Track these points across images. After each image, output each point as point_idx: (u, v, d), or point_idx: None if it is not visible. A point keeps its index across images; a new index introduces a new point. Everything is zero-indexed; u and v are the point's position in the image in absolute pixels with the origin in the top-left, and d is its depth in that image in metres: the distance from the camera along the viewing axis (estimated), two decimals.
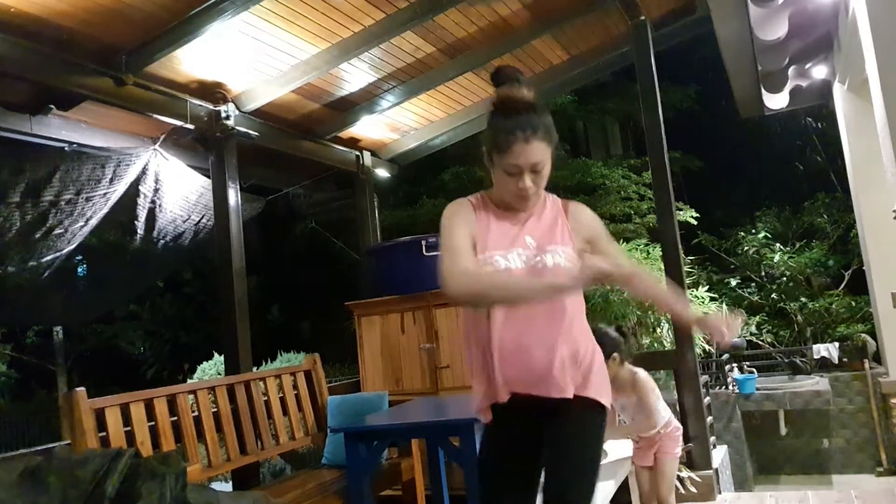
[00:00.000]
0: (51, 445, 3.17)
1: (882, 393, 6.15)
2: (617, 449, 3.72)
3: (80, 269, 5.81)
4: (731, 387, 6.55)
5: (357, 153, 5.65)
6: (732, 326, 1.85)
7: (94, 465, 1.70)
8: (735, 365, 7.03)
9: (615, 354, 3.29)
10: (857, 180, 5.56)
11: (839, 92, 5.45)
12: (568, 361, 1.86)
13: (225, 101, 4.29)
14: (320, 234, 11.24)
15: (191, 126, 4.13)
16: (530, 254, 1.88)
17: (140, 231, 4.90)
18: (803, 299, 8.68)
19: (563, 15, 4.60)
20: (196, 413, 3.42)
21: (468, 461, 2.72)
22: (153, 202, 4.73)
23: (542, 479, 1.95)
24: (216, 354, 8.72)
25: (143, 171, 4.46)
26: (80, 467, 1.70)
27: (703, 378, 4.86)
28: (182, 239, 5.26)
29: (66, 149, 4.04)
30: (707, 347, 7.55)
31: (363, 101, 5.00)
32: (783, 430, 6.69)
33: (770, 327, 8.75)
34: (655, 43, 4.72)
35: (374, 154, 5.84)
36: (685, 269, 5.57)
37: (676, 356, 4.50)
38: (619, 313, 6.06)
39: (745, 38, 4.55)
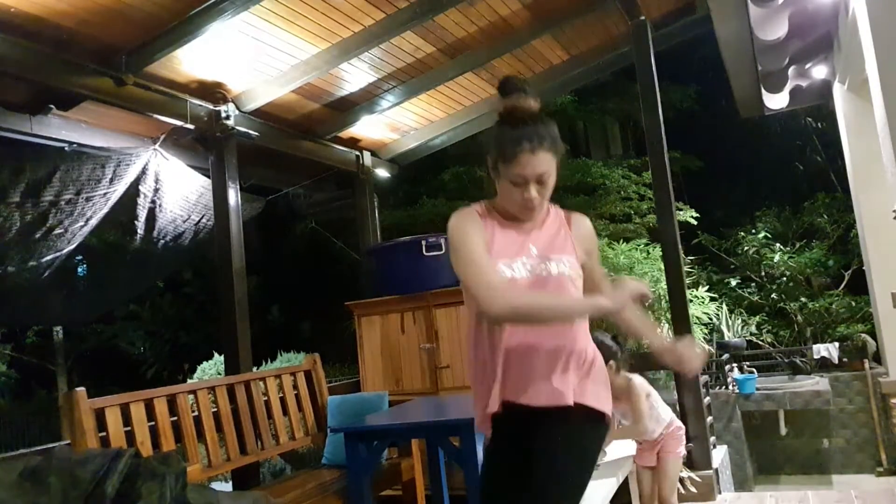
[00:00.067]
0: (51, 445, 3.16)
1: (882, 393, 6.15)
2: (617, 448, 3.72)
3: (80, 269, 5.81)
4: (731, 387, 6.54)
5: (357, 153, 5.65)
6: (695, 358, 1.89)
7: (94, 465, 1.70)
8: (735, 365, 7.02)
9: (611, 362, 3.30)
10: (857, 180, 5.56)
11: (839, 92, 5.45)
12: (573, 364, 1.86)
13: (225, 101, 4.29)
14: (320, 234, 11.24)
15: (191, 126, 4.13)
16: (535, 262, 1.88)
17: (140, 231, 4.90)
18: (803, 299, 8.68)
19: (563, 15, 4.60)
20: (196, 413, 3.42)
21: (468, 461, 2.72)
22: (153, 202, 4.73)
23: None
24: (216, 354, 8.72)
25: (143, 171, 4.46)
26: (80, 467, 1.70)
27: (703, 378, 4.86)
28: (182, 239, 5.26)
29: (66, 149, 4.05)
30: (707, 348, 7.56)
31: (363, 101, 5.01)
32: (783, 430, 6.68)
33: (770, 327, 8.73)
34: (655, 43, 4.72)
35: (374, 154, 5.84)
36: (685, 269, 5.57)
37: None
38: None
39: (745, 38, 4.55)
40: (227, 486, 4.79)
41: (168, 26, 3.56)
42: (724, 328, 8.11)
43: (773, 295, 8.97)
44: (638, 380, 3.50)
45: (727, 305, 8.55)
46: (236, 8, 3.46)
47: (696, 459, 4.33)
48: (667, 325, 6.34)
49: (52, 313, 6.70)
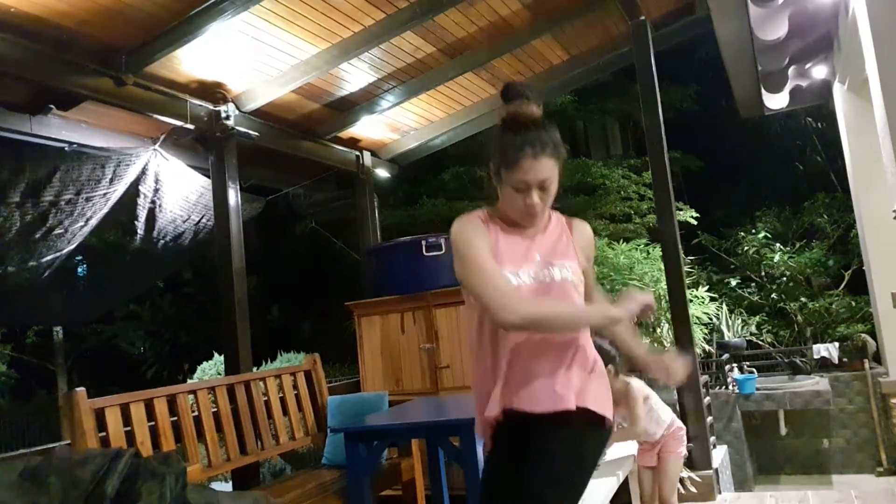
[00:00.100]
0: (51, 445, 3.18)
1: (882, 393, 6.15)
2: (618, 448, 3.72)
3: (80, 269, 5.81)
4: (731, 387, 6.54)
5: (357, 153, 5.65)
6: (676, 369, 1.95)
7: (94, 466, 1.69)
8: (735, 365, 7.03)
9: (610, 367, 3.30)
10: (857, 180, 5.56)
11: (839, 92, 5.45)
12: (577, 363, 1.87)
13: (225, 101, 4.29)
14: (320, 234, 11.24)
15: (191, 126, 4.13)
16: (538, 268, 1.88)
17: (140, 231, 4.90)
18: (803, 299, 8.68)
19: (563, 15, 4.60)
20: (196, 413, 3.42)
21: (468, 461, 2.72)
22: (153, 202, 4.73)
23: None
24: (216, 354, 8.72)
25: (143, 171, 4.46)
26: (80, 467, 1.69)
27: (703, 378, 4.86)
28: (182, 239, 5.26)
29: (66, 149, 4.05)
30: (707, 348, 7.56)
31: (363, 101, 5.00)
32: (783, 430, 6.69)
33: (770, 327, 8.74)
34: (655, 43, 4.72)
35: (374, 154, 5.84)
36: (685, 269, 5.57)
37: None
38: None
39: (745, 38, 4.55)
40: (227, 486, 4.79)
41: (168, 26, 3.56)
42: (724, 328, 8.11)
43: (773, 295, 8.97)
44: (636, 383, 3.50)
45: (727, 305, 8.55)
46: (236, 8, 3.46)
47: (696, 459, 4.33)
48: (667, 325, 6.35)
49: (52, 313, 6.70)
